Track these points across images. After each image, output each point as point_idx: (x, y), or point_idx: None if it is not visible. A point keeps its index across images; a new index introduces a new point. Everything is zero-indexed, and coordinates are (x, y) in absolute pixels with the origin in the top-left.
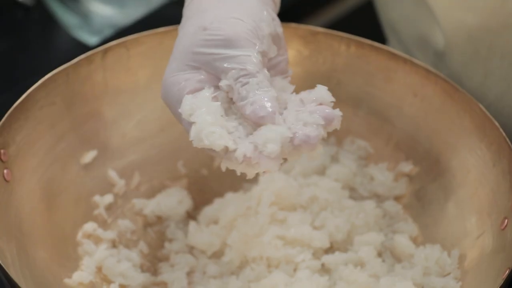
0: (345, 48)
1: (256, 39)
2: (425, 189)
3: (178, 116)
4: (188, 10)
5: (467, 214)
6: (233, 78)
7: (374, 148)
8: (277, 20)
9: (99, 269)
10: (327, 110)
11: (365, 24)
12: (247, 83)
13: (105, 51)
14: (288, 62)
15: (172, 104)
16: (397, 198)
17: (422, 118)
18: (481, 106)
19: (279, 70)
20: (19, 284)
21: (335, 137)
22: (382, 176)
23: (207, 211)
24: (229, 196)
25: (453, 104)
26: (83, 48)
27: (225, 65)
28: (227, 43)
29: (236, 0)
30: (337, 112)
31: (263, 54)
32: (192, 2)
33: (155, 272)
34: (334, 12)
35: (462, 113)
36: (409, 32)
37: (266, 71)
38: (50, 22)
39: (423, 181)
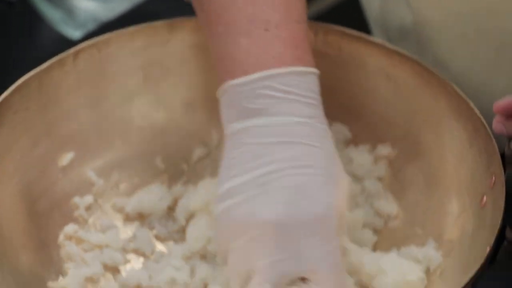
0: (313, 36)
1: None
2: (404, 171)
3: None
4: None
5: (447, 194)
6: None
7: (352, 132)
8: None
9: (86, 281)
10: None
11: (352, 17)
12: None
13: (76, 53)
14: None
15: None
16: (377, 180)
17: (397, 101)
18: (455, 87)
19: None
20: None
21: None
22: (361, 158)
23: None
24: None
25: (428, 86)
26: (67, 42)
27: None
28: None
29: None
30: None
31: None
32: None
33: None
34: (321, 4)
35: (437, 95)
36: (390, 23)
37: None
38: (33, 17)
39: (402, 163)
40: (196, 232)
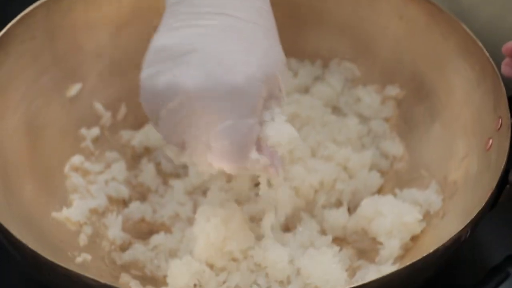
0: None
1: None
2: (411, 112)
3: None
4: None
5: (453, 136)
6: None
7: (361, 71)
8: None
9: (91, 212)
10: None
11: None
12: None
13: None
14: None
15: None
16: (384, 120)
17: (407, 41)
18: (464, 26)
19: None
20: (1, 221)
21: (321, 60)
22: (369, 98)
23: None
24: None
25: (437, 25)
26: None
27: None
28: None
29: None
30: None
31: None
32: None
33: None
34: None
35: (446, 35)
36: None
37: None
38: None
39: (409, 103)
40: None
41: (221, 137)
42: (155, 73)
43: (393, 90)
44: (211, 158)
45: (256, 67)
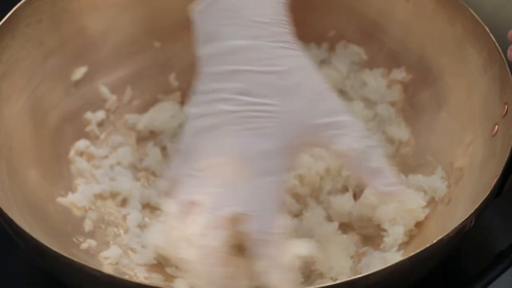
0: None
1: None
2: (418, 97)
3: None
4: None
5: (459, 121)
6: None
7: (368, 54)
8: None
9: (96, 197)
10: None
11: None
12: None
13: None
14: None
15: None
16: (390, 105)
17: (414, 25)
18: (472, 11)
19: None
20: (4, 208)
21: (327, 43)
22: (375, 82)
23: None
24: None
25: (444, 10)
26: None
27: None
28: None
29: None
30: None
31: None
32: None
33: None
34: None
35: (453, 19)
36: None
37: None
38: None
39: (416, 88)
40: None
41: None
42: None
43: (400, 74)
44: None
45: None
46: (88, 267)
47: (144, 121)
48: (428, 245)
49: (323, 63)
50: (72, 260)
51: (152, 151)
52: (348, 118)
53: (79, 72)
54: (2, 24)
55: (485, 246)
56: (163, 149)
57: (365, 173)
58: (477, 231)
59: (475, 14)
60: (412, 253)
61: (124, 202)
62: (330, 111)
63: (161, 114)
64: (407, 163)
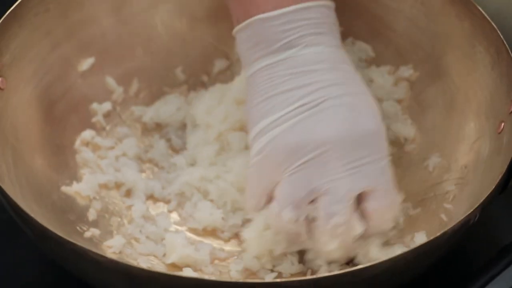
0: None
1: None
2: (424, 94)
3: None
4: None
5: (465, 118)
6: None
7: (375, 51)
8: None
9: (101, 187)
10: None
11: None
12: None
13: None
14: None
15: None
16: (396, 102)
17: (422, 22)
18: (480, 9)
19: None
20: (10, 194)
21: None
22: (382, 79)
23: None
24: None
25: (452, 7)
26: None
27: None
28: None
29: None
30: None
31: None
32: None
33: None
34: None
35: (461, 16)
36: None
37: None
38: None
39: (423, 85)
40: (196, 141)
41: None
42: (280, 133)
43: (407, 71)
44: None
45: (379, 115)
46: (93, 252)
47: (150, 113)
48: (432, 238)
49: None
50: (76, 245)
51: (158, 143)
52: None
53: (86, 63)
54: (9, 13)
55: (490, 241)
56: (168, 141)
57: None
58: (482, 225)
59: (483, 11)
60: (416, 245)
61: (128, 193)
62: None
63: (167, 107)
64: (413, 160)
